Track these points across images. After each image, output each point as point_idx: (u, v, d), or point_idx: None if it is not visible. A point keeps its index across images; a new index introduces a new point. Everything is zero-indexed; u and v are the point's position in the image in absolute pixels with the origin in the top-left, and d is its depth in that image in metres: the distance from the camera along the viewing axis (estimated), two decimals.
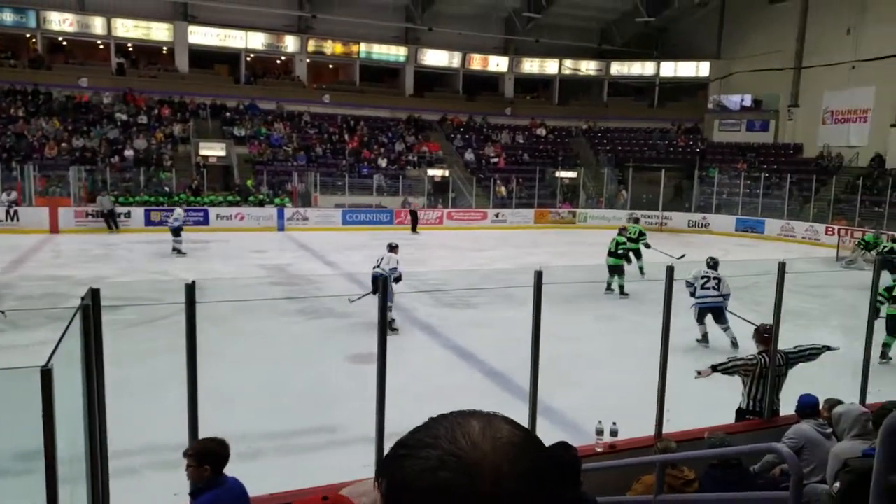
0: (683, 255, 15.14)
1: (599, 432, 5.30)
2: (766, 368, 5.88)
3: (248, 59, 32.84)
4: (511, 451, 0.68)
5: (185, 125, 28.80)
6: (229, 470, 3.61)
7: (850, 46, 28.49)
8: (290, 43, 33.03)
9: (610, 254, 14.13)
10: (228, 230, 23.93)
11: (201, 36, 31.28)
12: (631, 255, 15.37)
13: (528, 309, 4.74)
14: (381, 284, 4.44)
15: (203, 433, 3.89)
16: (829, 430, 4.81)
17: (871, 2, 28.08)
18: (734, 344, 9.96)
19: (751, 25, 33.22)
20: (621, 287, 14.05)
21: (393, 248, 11.70)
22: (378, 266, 11.14)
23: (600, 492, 3.99)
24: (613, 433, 5.36)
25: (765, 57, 31.14)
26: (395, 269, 10.93)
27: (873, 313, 6.13)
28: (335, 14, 32.31)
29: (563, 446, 3.42)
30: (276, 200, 26.27)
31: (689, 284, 10.34)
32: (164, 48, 31.76)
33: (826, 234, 24.76)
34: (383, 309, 4.24)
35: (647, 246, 15.77)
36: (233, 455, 3.64)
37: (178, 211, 19.44)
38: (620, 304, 13.27)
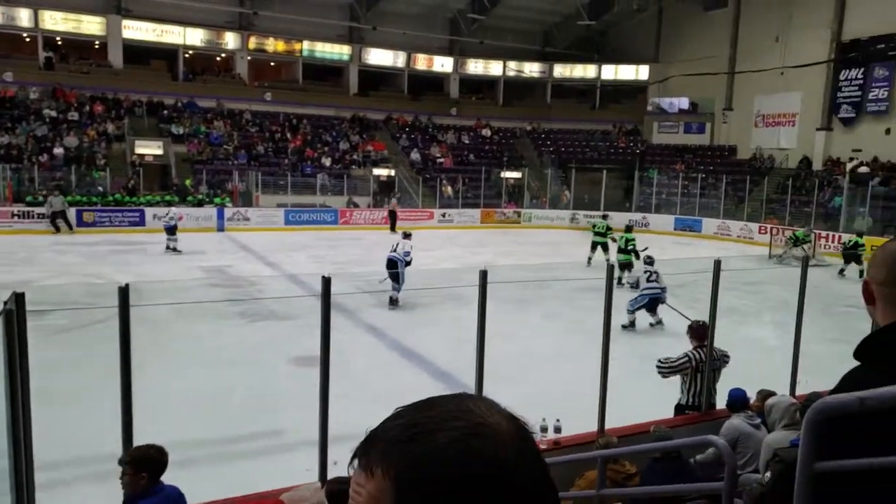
0: (646, 248, 16.11)
1: (543, 429, 5.35)
2: (701, 363, 6.05)
3: (187, 55, 32.01)
4: (516, 421, 0.69)
5: (119, 123, 27.85)
6: (166, 478, 3.50)
7: (779, 53, 29.60)
8: (231, 40, 32.35)
9: (619, 251, 15.41)
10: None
11: (136, 30, 30.28)
12: (599, 248, 17.66)
13: (474, 308, 4.75)
14: (325, 285, 4.34)
15: (138, 441, 3.76)
16: (759, 421, 5.03)
17: (797, 12, 29.23)
18: (660, 323, 11.37)
19: (687, 31, 34.17)
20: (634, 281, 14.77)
21: (407, 236, 13.38)
22: (394, 250, 12.74)
23: None
24: (557, 430, 5.42)
25: (700, 62, 32.08)
26: (408, 253, 12.62)
27: (801, 308, 6.35)
28: (277, 11, 31.78)
29: None
30: (216, 200, 25.69)
31: (630, 283, 11.08)
32: (97, 42, 30.59)
33: (759, 232, 25.64)
34: (326, 312, 4.18)
35: (614, 240, 16.83)
36: (170, 463, 3.53)
37: (174, 210, 19.58)
38: (564, 302, 13.43)
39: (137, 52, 30.85)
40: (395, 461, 0.65)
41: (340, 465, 4.53)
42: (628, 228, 16.41)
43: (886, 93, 26.76)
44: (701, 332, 6.32)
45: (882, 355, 1.47)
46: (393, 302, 12.56)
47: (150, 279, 13.78)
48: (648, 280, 11.39)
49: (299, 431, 6.28)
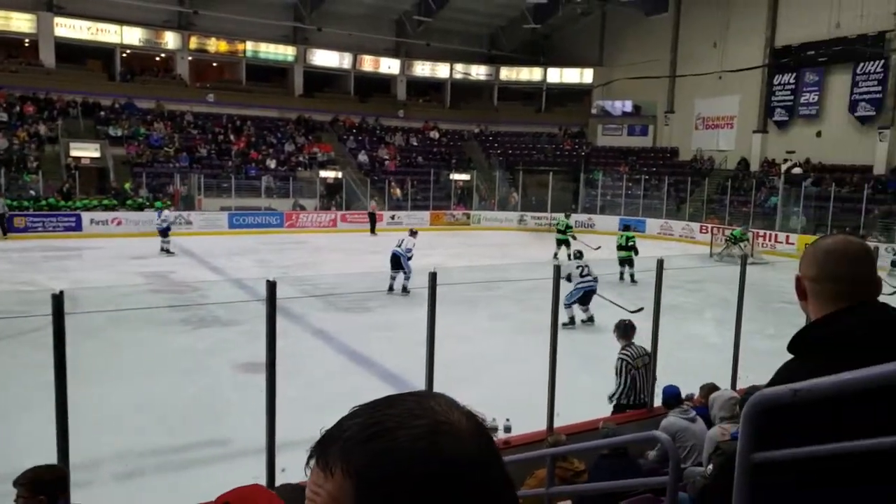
0: (599, 247, 18.09)
1: (493, 429, 5.38)
2: (633, 361, 6.19)
3: (124, 55, 31.10)
4: (474, 419, 0.68)
5: (52, 124, 26.85)
6: (103, 493, 3.38)
7: (717, 58, 30.51)
8: (171, 39, 31.58)
9: (619, 248, 16.48)
10: (104, 236, 22.55)
11: (69, 28, 29.22)
12: (563, 245, 19.55)
13: (424, 310, 4.74)
14: (270, 289, 4.26)
15: (75, 455, 3.63)
16: (693, 415, 5.19)
17: (733, 19, 30.21)
18: (591, 319, 11.65)
19: (629, 35, 34.90)
20: (632, 275, 16.14)
21: (413, 233, 14.84)
22: (399, 246, 14.15)
23: None
24: (507, 429, 5.46)
25: (643, 65, 32.79)
26: (410, 249, 14.16)
27: (741, 305, 6.54)
28: (218, 11, 31.16)
29: None
30: (157, 204, 24.98)
31: (569, 279, 11.55)
32: (27, 40, 29.46)
33: (700, 232, 26.35)
34: (271, 317, 4.11)
35: (574, 237, 19.49)
36: (108, 476, 3.42)
37: (166, 213, 19.97)
38: (513, 302, 13.53)
39: (71, 51, 29.78)
40: (354, 460, 0.64)
41: (288, 472, 4.46)
42: (626, 227, 17.73)
43: (816, 97, 27.86)
44: (628, 332, 6.51)
45: (814, 348, 1.53)
46: (405, 290, 13.91)
47: (87, 286, 13.34)
48: (581, 275, 11.68)
49: (246, 439, 6.17)
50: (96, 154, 26.46)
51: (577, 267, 11.90)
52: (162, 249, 19.54)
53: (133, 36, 30.66)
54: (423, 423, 0.65)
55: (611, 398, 6.44)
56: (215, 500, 1.45)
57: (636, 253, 16.27)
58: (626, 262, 16.23)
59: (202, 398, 7.83)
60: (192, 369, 8.92)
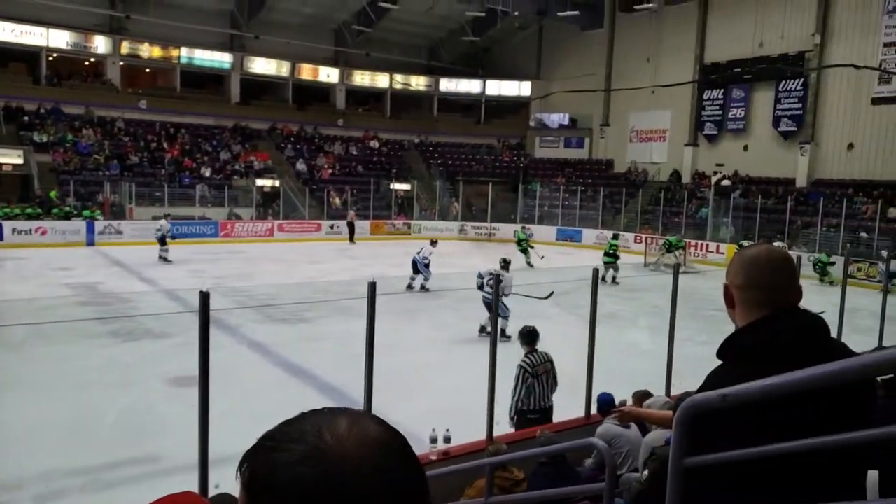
0: (543, 256, 19.98)
1: (433, 440, 5.36)
2: (532, 368, 6.27)
3: (51, 58, 29.95)
4: (376, 449, 0.67)
5: None
6: None
7: (650, 73, 31.49)
8: (101, 44, 30.55)
9: (606, 254, 18.35)
10: (27, 246, 21.56)
11: None
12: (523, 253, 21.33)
13: (364, 321, 4.69)
14: (203, 300, 4.16)
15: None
16: (628, 422, 5.29)
17: (665, 36, 31.28)
18: (504, 333, 10.99)
19: (566, 49, 35.66)
20: (614, 278, 17.81)
21: (433, 243, 16.70)
22: (419, 253, 15.76)
23: (436, 499, 4.02)
24: (447, 440, 5.45)
25: (579, 79, 33.56)
26: (427, 258, 15.69)
27: (674, 313, 6.71)
28: (152, 16, 30.30)
29: None
30: (85, 213, 24.09)
31: (479, 277, 11.84)
32: None
33: (635, 242, 27.01)
34: (204, 328, 4.00)
35: (532, 247, 21.79)
36: (30, 497, 3.26)
37: (163, 222, 20.02)
38: (453, 312, 13.56)
39: None
40: (246, 472, 0.69)
41: (222, 488, 4.34)
42: (615, 236, 20.37)
43: (743, 112, 29.02)
44: (531, 338, 6.51)
45: (741, 354, 1.57)
46: (423, 288, 15.73)
47: (9, 298, 12.73)
48: (487, 284, 11.30)
49: (178, 455, 5.99)
50: (19, 160, 25.35)
51: (489, 275, 11.52)
52: (160, 257, 19.73)
53: (60, 39, 29.53)
54: (296, 449, 0.66)
55: (509, 411, 6.35)
56: None
57: (616, 258, 18.29)
58: (609, 266, 17.91)
59: (131, 414, 7.56)
60: (121, 384, 8.60)
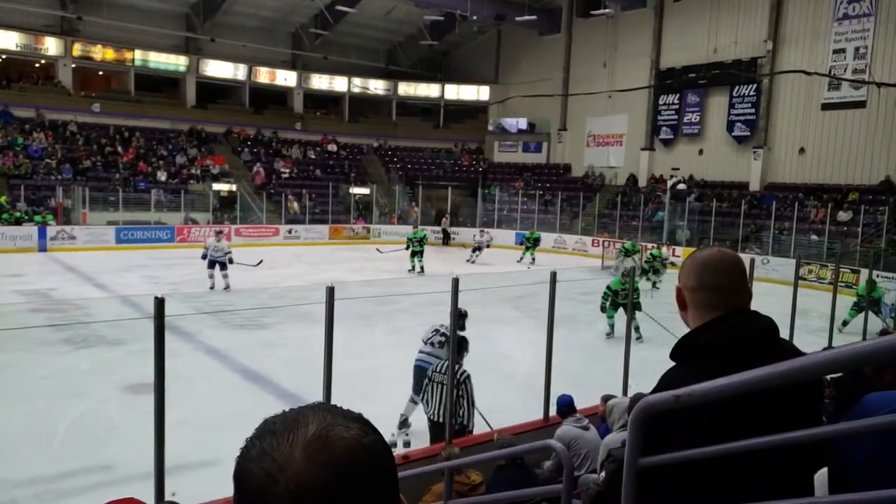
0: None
1: (393, 445, 5.34)
2: (432, 374, 6.13)
3: (0, 59, 29.10)
4: (330, 457, 0.69)
5: None
6: None
7: (607, 78, 31.93)
8: (52, 45, 29.70)
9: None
10: None
11: None
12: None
13: (322, 326, 4.66)
14: (158, 306, 4.08)
15: None
16: (586, 423, 5.35)
17: (621, 42, 31.77)
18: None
19: (524, 54, 35.98)
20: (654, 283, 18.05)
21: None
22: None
23: None
24: (406, 444, 5.44)
25: (537, 84, 33.85)
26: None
27: (632, 315, 6.82)
28: (104, 17, 29.60)
29: None
30: (37, 218, 23.44)
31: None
32: None
33: (592, 245, 27.38)
34: (160, 335, 3.93)
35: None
36: None
37: (210, 240, 16.73)
38: (411, 317, 13.54)
39: None
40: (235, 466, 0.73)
41: (179, 496, 4.26)
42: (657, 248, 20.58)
43: (698, 117, 29.62)
44: (458, 347, 5.93)
45: (693, 355, 1.61)
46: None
47: None
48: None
49: (133, 463, 5.87)
50: None
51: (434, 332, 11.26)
52: (225, 287, 16.02)
53: (9, 40, 28.65)
54: (258, 445, 0.72)
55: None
56: None
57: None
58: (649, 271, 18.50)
59: (85, 422, 7.38)
60: (75, 392, 8.39)
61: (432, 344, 7.46)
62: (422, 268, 20.23)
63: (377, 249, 20.81)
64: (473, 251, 23.24)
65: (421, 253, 20.36)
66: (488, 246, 23.79)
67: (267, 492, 0.68)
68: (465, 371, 5.87)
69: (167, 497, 4.17)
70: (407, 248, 20.53)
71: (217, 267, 15.69)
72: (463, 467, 4.34)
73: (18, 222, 22.98)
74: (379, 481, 0.71)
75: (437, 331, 7.59)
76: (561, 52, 34.41)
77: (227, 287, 15.72)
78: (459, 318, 5.87)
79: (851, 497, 1.31)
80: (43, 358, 9.78)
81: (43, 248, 22.59)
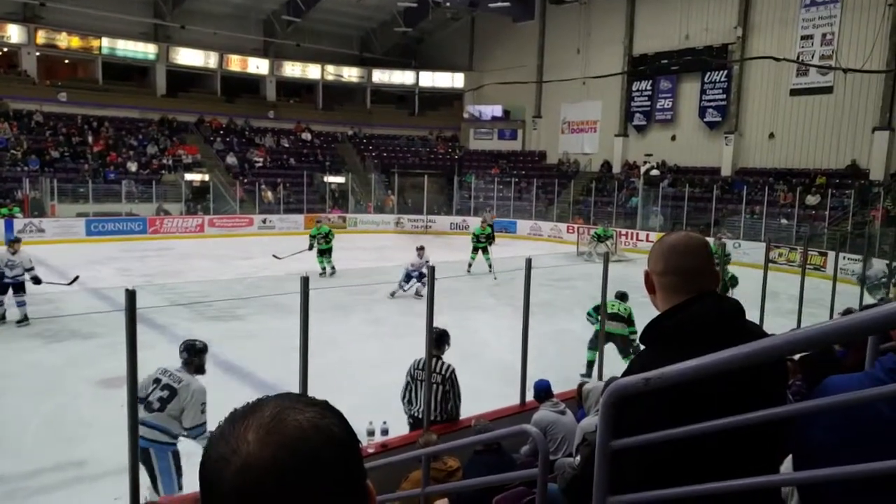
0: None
1: (370, 433, 5.36)
2: (414, 371, 5.95)
3: None
4: (281, 438, 0.70)
5: None
6: None
7: (581, 65, 32.02)
8: (14, 33, 29.00)
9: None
10: None
11: None
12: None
13: (297, 317, 4.64)
14: (129, 298, 4.03)
15: None
16: (563, 408, 5.41)
17: (594, 29, 31.84)
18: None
19: (498, 41, 35.91)
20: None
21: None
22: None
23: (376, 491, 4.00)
24: (384, 432, 5.45)
25: (512, 71, 33.86)
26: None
27: (605, 301, 6.88)
28: (69, 3, 28.94)
29: None
30: (3, 211, 22.97)
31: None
32: None
33: (567, 232, 27.54)
34: (132, 328, 3.88)
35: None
36: None
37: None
38: (387, 306, 13.54)
39: None
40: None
41: (152, 491, 4.23)
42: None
43: (670, 103, 29.86)
44: (437, 341, 5.92)
45: (662, 338, 1.63)
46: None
47: None
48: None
49: (107, 458, 5.81)
50: None
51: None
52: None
53: None
54: (222, 428, 0.74)
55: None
56: None
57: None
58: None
59: (55, 418, 7.28)
60: (44, 388, 8.26)
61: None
62: (333, 268, 17.32)
63: (273, 255, 17.47)
64: (407, 280, 14.71)
65: (329, 251, 17.27)
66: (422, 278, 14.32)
67: (220, 473, 0.69)
68: (449, 366, 5.83)
69: (142, 491, 4.14)
70: (310, 248, 17.32)
71: (11, 290, 11.39)
72: (440, 454, 4.36)
73: None
74: (333, 463, 0.71)
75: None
76: (535, 38, 34.42)
77: (23, 320, 11.32)
78: (440, 340, 5.82)
79: (811, 474, 1.35)
80: (13, 354, 9.64)
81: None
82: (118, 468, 4.16)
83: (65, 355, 9.69)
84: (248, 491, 0.68)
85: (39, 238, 22.68)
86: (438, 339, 5.86)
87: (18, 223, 22.69)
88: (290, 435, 0.70)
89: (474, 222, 30.28)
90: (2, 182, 24.46)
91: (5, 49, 29.85)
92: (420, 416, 5.68)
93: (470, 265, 17.96)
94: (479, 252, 18.16)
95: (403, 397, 5.97)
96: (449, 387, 5.76)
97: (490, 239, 18.60)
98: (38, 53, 29.64)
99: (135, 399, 3.93)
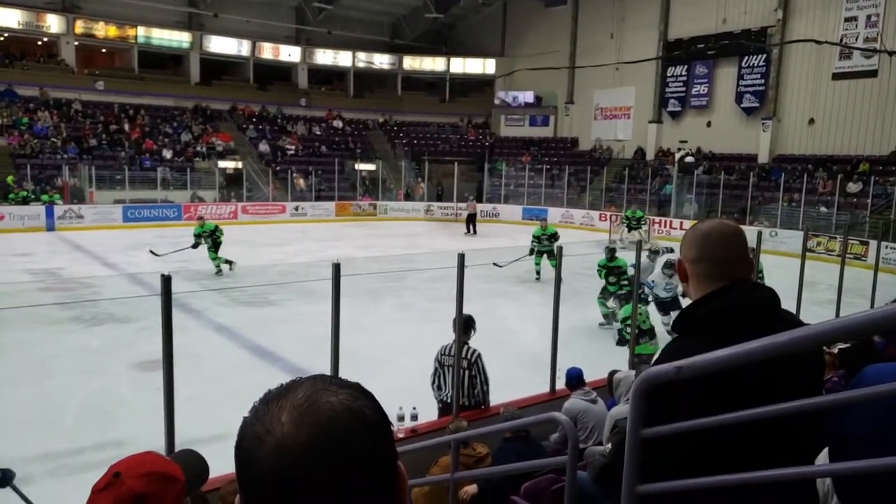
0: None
1: (401, 418, 5.40)
2: (441, 357, 5.98)
3: (2, 38, 29.00)
4: (314, 419, 0.71)
5: None
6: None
7: (614, 50, 31.58)
8: (54, 22, 29.58)
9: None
10: None
11: None
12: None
13: (329, 303, 4.68)
14: (165, 284, 4.10)
15: None
16: (594, 396, 5.38)
17: (628, 12, 31.34)
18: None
19: (530, 26, 35.56)
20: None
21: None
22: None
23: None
24: (414, 418, 5.49)
25: (544, 56, 33.52)
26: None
27: (637, 291, 6.82)
28: None
29: None
30: (44, 198, 23.53)
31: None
32: None
33: (600, 220, 27.28)
34: (167, 312, 3.96)
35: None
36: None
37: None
38: (417, 293, 13.58)
39: None
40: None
41: None
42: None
43: (706, 89, 29.30)
44: (464, 326, 5.86)
45: (695, 327, 1.61)
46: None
47: None
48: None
49: (144, 439, 5.93)
50: None
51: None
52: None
53: (11, 18, 28.56)
54: (256, 408, 0.75)
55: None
56: (106, 471, 1.42)
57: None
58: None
59: (96, 399, 7.47)
60: (85, 369, 8.49)
61: None
62: (228, 262, 15.45)
63: (151, 251, 15.44)
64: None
65: (217, 247, 15.50)
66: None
67: (255, 452, 0.70)
68: (475, 351, 5.83)
69: None
70: (195, 246, 15.51)
71: None
72: (470, 440, 4.38)
73: (26, 202, 23.09)
74: (365, 444, 0.72)
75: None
76: (568, 23, 33.99)
77: None
78: (466, 325, 5.82)
79: (846, 465, 1.32)
80: (54, 336, 9.88)
81: (51, 228, 22.71)
82: (155, 449, 4.25)
83: (104, 338, 9.92)
84: (283, 470, 0.69)
85: (79, 224, 23.21)
86: (465, 325, 5.84)
87: (59, 209, 23.25)
88: (324, 416, 0.71)
89: (504, 210, 30.27)
90: (43, 169, 25.02)
91: (45, 39, 30.44)
92: (449, 400, 5.72)
93: (538, 273, 15.48)
94: (545, 256, 15.20)
95: (433, 383, 6.01)
96: (475, 372, 5.77)
97: (554, 238, 15.46)
98: (76, 43, 30.18)
99: (171, 382, 4.01)
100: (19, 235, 20.85)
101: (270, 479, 0.69)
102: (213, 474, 4.45)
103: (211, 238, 15.31)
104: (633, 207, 23.35)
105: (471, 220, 26.31)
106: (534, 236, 15.80)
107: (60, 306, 11.60)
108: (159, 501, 1.33)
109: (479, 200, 30.31)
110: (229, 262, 15.41)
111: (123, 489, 1.30)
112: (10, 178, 23.70)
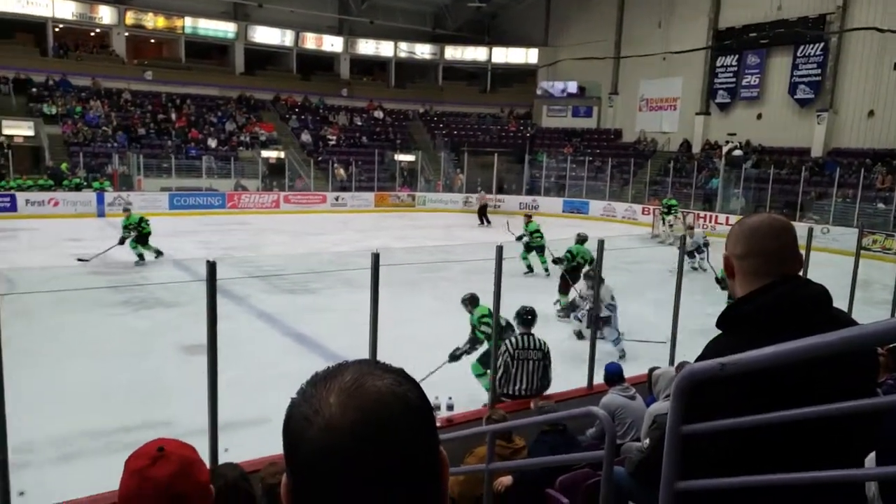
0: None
1: (436, 408, 5.43)
2: (519, 351, 6.13)
3: (57, 29, 29.81)
4: (361, 402, 0.72)
5: None
6: (43, 475, 3.29)
7: (661, 39, 30.98)
8: (106, 14, 30.34)
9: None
10: (40, 217, 21.73)
11: None
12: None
13: (368, 292, 4.72)
14: (210, 270, 4.18)
15: (14, 438, 3.52)
16: (633, 392, 5.33)
17: (678, 1, 30.62)
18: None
19: (574, 15, 35.10)
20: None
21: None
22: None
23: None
24: (450, 407, 5.51)
25: (587, 46, 33.08)
26: None
27: (679, 286, 6.70)
28: None
29: None
30: (95, 185, 24.20)
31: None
32: None
33: (643, 213, 26.88)
34: (212, 298, 4.04)
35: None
36: (48, 459, 3.32)
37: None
38: (455, 284, 13.56)
39: (0, 24, 28.32)
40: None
41: (231, 452, 4.41)
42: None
43: (758, 80, 28.53)
44: (524, 320, 6.38)
45: (740, 323, 1.58)
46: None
47: (23, 267, 12.85)
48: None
49: (190, 420, 6.07)
50: (30, 132, 25.45)
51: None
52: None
53: (66, 9, 29.36)
54: (304, 388, 0.76)
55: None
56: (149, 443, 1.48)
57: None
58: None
59: (145, 380, 7.67)
60: (135, 351, 8.72)
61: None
62: (156, 251, 15.52)
63: (78, 259, 14.88)
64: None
65: (146, 237, 15.38)
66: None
67: (303, 433, 0.72)
68: (545, 341, 6.29)
69: (220, 453, 4.32)
70: (121, 242, 15.16)
71: None
72: (506, 431, 4.38)
73: (78, 188, 23.77)
74: (410, 428, 0.73)
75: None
76: (613, 12, 33.44)
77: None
78: (529, 317, 6.39)
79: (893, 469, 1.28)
80: (104, 318, 10.16)
81: (101, 214, 23.34)
82: (200, 430, 4.35)
83: (151, 322, 10.18)
84: (330, 451, 0.70)
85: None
86: (526, 319, 6.35)
87: (109, 196, 23.87)
88: (370, 399, 0.72)
89: (544, 202, 30.00)
90: (94, 157, 25.70)
91: (98, 30, 31.20)
92: (523, 393, 5.94)
93: (529, 268, 15.37)
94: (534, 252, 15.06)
95: (500, 377, 6.02)
96: (548, 361, 6.18)
97: (539, 234, 15.20)
98: (126, 34, 30.89)
99: (215, 365, 4.10)
100: (71, 221, 21.49)
101: (318, 459, 0.71)
102: (253, 456, 4.54)
103: (136, 230, 15.23)
104: (668, 196, 22.95)
105: (482, 211, 25.97)
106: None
107: (111, 290, 11.92)
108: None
109: (518, 192, 30.07)
110: (158, 252, 15.51)
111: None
112: (63, 165, 24.42)
